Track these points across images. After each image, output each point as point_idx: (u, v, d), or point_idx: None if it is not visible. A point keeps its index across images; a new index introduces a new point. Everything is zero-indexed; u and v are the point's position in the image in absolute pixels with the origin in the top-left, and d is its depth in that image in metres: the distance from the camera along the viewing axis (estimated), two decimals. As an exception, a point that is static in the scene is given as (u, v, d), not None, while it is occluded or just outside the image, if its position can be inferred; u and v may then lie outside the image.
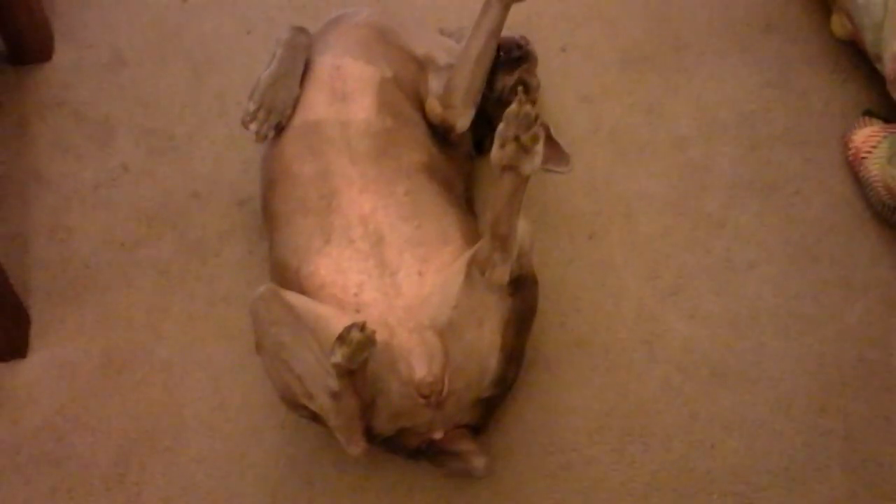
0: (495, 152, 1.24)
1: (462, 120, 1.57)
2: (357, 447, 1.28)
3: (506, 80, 1.70)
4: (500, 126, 1.23)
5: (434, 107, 1.57)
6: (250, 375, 1.53)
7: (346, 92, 1.52)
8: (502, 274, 1.30)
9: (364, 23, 1.64)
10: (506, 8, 1.53)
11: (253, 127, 1.51)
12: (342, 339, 1.20)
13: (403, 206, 1.42)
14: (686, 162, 1.79)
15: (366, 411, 1.29)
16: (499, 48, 1.66)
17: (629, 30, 2.00)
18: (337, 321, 1.28)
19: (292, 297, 1.34)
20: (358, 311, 1.34)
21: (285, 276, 1.42)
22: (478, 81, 1.57)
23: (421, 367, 1.30)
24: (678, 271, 1.65)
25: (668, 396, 1.53)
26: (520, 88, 1.70)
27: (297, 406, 1.34)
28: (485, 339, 1.32)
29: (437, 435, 1.35)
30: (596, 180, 1.76)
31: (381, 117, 1.50)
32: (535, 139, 1.22)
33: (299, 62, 1.55)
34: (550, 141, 1.76)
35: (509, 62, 1.70)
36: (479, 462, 1.36)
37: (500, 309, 1.32)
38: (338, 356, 1.20)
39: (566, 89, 1.90)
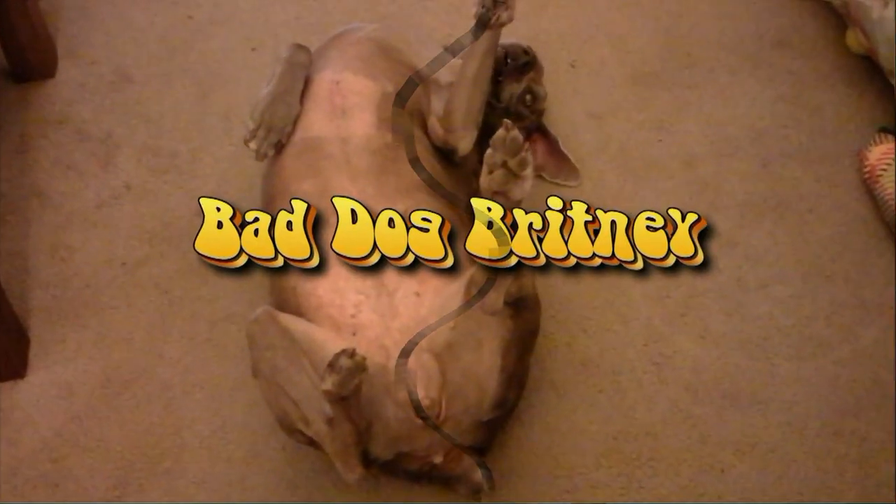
0: (484, 178, 1.23)
1: (464, 142, 1.56)
2: (353, 473, 1.27)
3: (513, 89, 1.69)
4: (488, 152, 1.22)
5: (436, 128, 1.56)
6: (251, 397, 1.51)
7: (346, 107, 1.51)
8: (495, 300, 1.28)
9: (365, 38, 1.63)
10: (497, 32, 1.50)
11: (253, 145, 1.50)
12: (332, 366, 1.19)
13: (402, 224, 1.40)
14: (696, 179, 1.78)
15: (362, 436, 1.28)
16: (506, 55, 1.66)
17: (639, 45, 2.00)
18: (332, 345, 1.27)
19: (288, 321, 1.32)
20: (355, 333, 1.33)
21: (283, 295, 1.40)
22: (477, 103, 1.55)
23: (417, 391, 1.28)
24: (688, 291, 1.63)
25: (677, 419, 1.50)
26: (515, 115, 1.70)
27: (293, 431, 1.33)
28: (484, 362, 1.30)
29: (437, 459, 1.33)
30: (604, 198, 1.74)
31: (382, 133, 1.49)
32: (522, 164, 1.21)
33: (299, 79, 1.54)
34: (560, 154, 1.76)
35: (516, 69, 1.68)
36: (480, 480, 1.34)
37: (500, 331, 1.29)
38: (328, 383, 1.20)
39: (575, 105, 1.90)
